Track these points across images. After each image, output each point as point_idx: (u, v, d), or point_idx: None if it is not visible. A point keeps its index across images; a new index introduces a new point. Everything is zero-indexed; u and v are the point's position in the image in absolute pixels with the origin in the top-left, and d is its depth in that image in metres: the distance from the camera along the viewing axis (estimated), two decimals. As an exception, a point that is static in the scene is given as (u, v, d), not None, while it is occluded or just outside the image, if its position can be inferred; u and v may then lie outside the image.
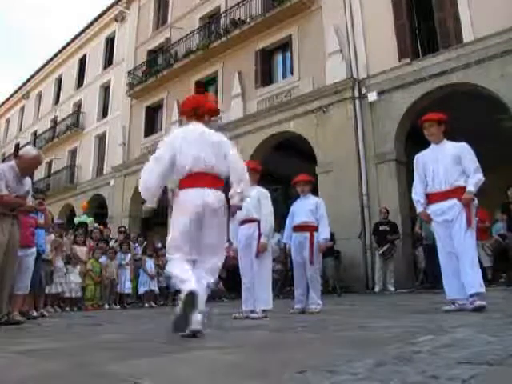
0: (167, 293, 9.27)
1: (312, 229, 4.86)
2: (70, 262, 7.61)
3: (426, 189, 4.09)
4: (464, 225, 3.77)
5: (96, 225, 11.30)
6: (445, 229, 3.92)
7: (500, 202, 8.68)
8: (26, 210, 4.13)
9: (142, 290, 8.78)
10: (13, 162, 4.06)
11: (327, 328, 3.01)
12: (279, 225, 6.97)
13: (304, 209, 4.93)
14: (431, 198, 4.02)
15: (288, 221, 5.11)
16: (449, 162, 3.92)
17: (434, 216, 3.98)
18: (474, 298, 3.66)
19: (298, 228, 4.93)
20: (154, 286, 8.90)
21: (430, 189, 4.03)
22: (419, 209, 4.11)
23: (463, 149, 3.95)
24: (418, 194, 4.12)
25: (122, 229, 10.44)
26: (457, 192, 3.85)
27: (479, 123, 9.79)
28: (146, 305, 8.57)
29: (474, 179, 3.82)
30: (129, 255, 8.78)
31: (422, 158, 4.19)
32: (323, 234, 4.85)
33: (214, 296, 9.49)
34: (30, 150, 4.20)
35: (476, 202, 3.88)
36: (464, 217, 3.78)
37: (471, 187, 3.81)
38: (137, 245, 9.55)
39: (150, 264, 8.97)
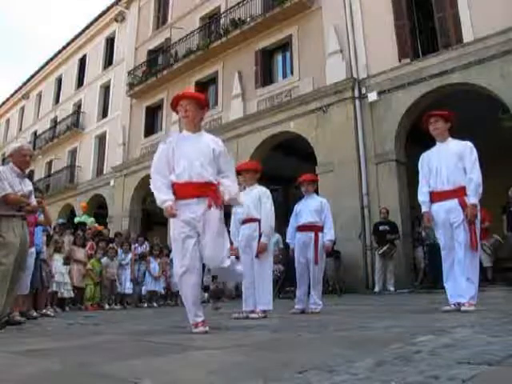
0: (168, 293, 9.29)
1: (317, 229, 4.85)
2: (65, 263, 7.58)
3: (430, 187, 4.05)
4: (466, 246, 3.72)
5: (96, 225, 11.31)
6: (446, 230, 3.89)
7: (500, 202, 8.68)
8: (31, 210, 4.13)
9: (144, 290, 8.77)
10: (10, 164, 4.08)
11: (327, 328, 3.01)
12: (278, 225, 6.97)
13: (309, 209, 4.92)
14: (434, 197, 3.99)
15: (291, 220, 5.09)
16: (452, 161, 3.89)
17: (436, 216, 3.97)
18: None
19: (303, 228, 4.91)
20: (159, 287, 8.90)
21: (433, 187, 4.00)
22: (424, 209, 4.08)
23: (466, 147, 3.92)
24: (422, 195, 4.08)
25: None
26: (459, 192, 3.83)
27: (479, 123, 9.78)
28: (145, 305, 8.57)
29: (472, 185, 3.76)
30: (130, 255, 8.78)
31: (426, 157, 4.15)
32: (329, 235, 4.84)
33: (214, 296, 9.51)
34: (13, 146, 4.23)
35: (478, 207, 3.83)
36: (467, 236, 3.73)
37: (473, 199, 3.74)
38: (137, 245, 9.54)
39: (154, 264, 8.96)
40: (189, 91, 3.32)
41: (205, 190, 2.89)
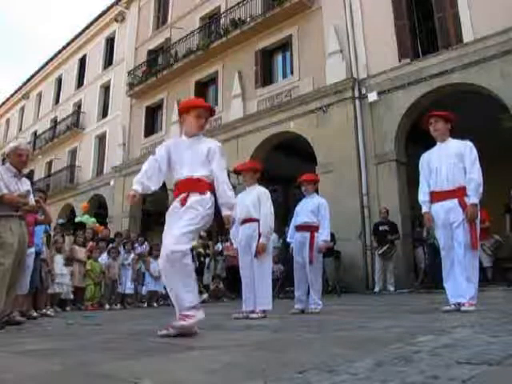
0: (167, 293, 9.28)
1: (313, 229, 4.86)
2: (66, 263, 7.57)
3: (430, 187, 4.04)
4: (466, 246, 3.72)
5: (97, 225, 11.29)
6: (446, 230, 3.89)
7: (500, 202, 8.68)
8: (28, 210, 4.12)
9: (144, 290, 8.76)
10: (7, 163, 4.08)
11: (327, 328, 3.01)
12: (278, 225, 6.97)
13: (306, 209, 4.93)
14: (434, 197, 3.98)
15: (292, 220, 5.12)
16: (452, 161, 3.88)
17: (435, 216, 3.97)
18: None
19: (300, 228, 4.94)
20: (159, 287, 8.90)
21: (433, 187, 3.99)
22: (424, 209, 4.07)
23: (465, 147, 3.92)
24: (423, 195, 4.08)
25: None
26: (459, 192, 3.82)
27: (479, 123, 9.78)
28: (145, 305, 8.57)
29: (472, 185, 3.75)
30: (132, 255, 8.77)
31: (427, 157, 4.15)
32: (322, 235, 4.85)
33: (214, 296, 9.52)
34: (11, 145, 4.23)
35: (478, 207, 3.81)
36: (468, 238, 3.72)
37: (473, 199, 3.73)
38: (137, 245, 9.55)
39: (154, 265, 8.95)
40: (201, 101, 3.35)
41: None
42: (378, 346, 1.99)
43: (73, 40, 22.82)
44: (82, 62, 22.45)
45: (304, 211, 4.93)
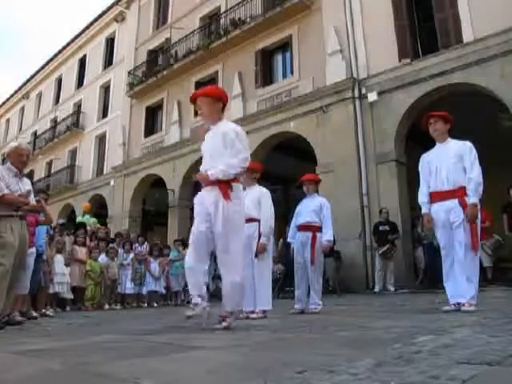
0: (170, 293, 9.30)
1: (315, 229, 4.86)
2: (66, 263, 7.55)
3: (430, 188, 4.04)
4: (466, 246, 3.71)
5: (98, 225, 11.28)
6: (446, 230, 3.88)
7: (500, 202, 8.68)
8: (29, 210, 4.12)
9: (145, 290, 8.77)
10: (8, 163, 4.08)
11: (327, 328, 3.01)
12: (278, 225, 6.96)
13: (308, 209, 4.93)
14: (434, 197, 3.98)
15: (293, 220, 5.11)
16: (452, 161, 3.88)
17: (435, 216, 3.96)
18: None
19: (301, 228, 4.93)
20: (159, 287, 8.91)
21: (433, 188, 3.99)
22: (423, 210, 4.07)
23: (465, 147, 3.92)
24: (422, 195, 4.08)
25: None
26: (459, 192, 3.82)
27: (479, 123, 9.78)
28: (145, 305, 8.57)
29: (472, 185, 3.74)
30: (131, 255, 8.77)
31: (426, 158, 4.15)
32: (326, 235, 4.84)
33: (214, 296, 9.51)
34: (11, 145, 4.23)
35: (478, 207, 3.80)
36: (468, 238, 3.71)
37: (473, 199, 3.72)
38: (137, 245, 9.54)
39: (154, 265, 8.96)
40: (201, 89, 3.43)
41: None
42: (378, 346, 1.99)
43: (73, 40, 22.83)
44: (82, 62, 22.45)
45: (306, 211, 4.93)
